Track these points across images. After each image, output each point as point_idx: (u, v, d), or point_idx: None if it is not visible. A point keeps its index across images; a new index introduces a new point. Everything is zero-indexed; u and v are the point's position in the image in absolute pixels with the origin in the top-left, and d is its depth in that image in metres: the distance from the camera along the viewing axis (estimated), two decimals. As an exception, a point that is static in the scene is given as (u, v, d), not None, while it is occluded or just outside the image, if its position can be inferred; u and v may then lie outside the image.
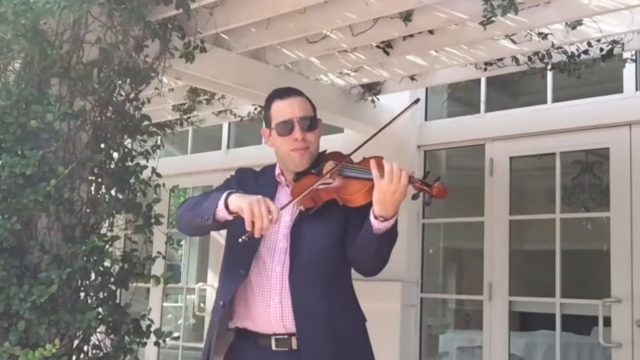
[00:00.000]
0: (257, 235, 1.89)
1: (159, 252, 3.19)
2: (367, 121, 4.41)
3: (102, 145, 3.14)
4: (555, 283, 4.15)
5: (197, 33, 3.35)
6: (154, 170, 3.21)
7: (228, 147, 5.99)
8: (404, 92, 4.44)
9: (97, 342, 3.04)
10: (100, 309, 2.97)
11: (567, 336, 4.54)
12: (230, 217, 1.94)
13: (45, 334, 2.81)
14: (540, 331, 5.28)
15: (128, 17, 3.02)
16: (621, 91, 4.07)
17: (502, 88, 4.91)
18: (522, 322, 5.56)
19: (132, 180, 3.14)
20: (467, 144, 4.73)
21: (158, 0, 3.02)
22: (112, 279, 3.06)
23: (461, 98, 4.91)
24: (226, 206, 1.93)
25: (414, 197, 1.96)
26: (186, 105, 4.67)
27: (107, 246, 2.95)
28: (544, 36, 3.39)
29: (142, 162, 3.23)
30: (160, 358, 6.00)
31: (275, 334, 2.04)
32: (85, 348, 3.00)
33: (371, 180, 1.91)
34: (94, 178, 3.11)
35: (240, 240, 1.90)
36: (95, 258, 2.93)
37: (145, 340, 3.10)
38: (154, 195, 3.15)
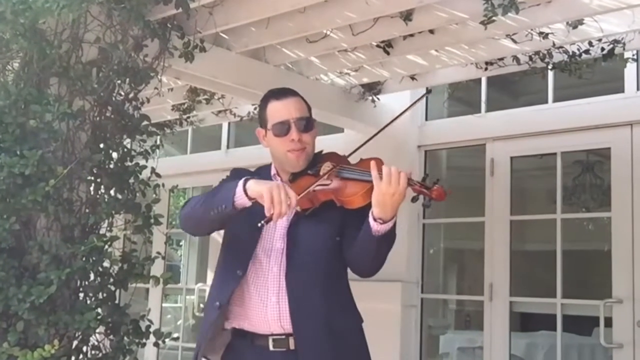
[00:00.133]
0: (275, 220, 1.90)
1: (158, 253, 3.19)
2: (367, 121, 4.40)
3: (101, 145, 3.14)
4: (556, 283, 4.14)
5: (197, 32, 3.34)
6: (153, 170, 3.20)
7: (228, 147, 5.99)
8: (405, 91, 4.43)
9: (96, 343, 3.03)
10: (99, 310, 2.96)
11: (568, 337, 4.53)
12: (249, 203, 1.94)
13: (44, 335, 2.80)
14: (541, 332, 5.27)
15: (127, 16, 3.01)
16: (622, 91, 4.07)
17: (502, 88, 4.90)
18: (523, 322, 5.55)
19: (131, 181, 3.14)
20: (467, 144, 4.72)
21: (157, -1, 3.02)
22: (112, 280, 3.06)
23: (462, 98, 4.91)
24: (245, 192, 1.93)
25: (414, 199, 1.96)
26: (186, 105, 4.66)
27: (107, 246, 2.94)
28: (544, 36, 3.38)
29: (142, 162, 3.22)
30: (159, 359, 6.00)
31: (272, 334, 2.04)
32: (84, 349, 2.99)
33: (369, 182, 1.92)
34: (93, 178, 3.11)
35: (259, 225, 1.91)
36: (94, 258, 2.93)
37: (144, 340, 3.10)
38: (154, 196, 3.14)
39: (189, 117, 4.89)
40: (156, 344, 3.08)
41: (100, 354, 3.02)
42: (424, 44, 3.61)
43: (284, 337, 2.03)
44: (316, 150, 2.18)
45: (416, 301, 4.64)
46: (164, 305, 6.43)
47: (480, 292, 4.45)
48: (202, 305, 5.85)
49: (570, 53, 3.58)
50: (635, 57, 3.78)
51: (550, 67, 3.71)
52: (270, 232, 2.08)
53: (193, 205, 2.08)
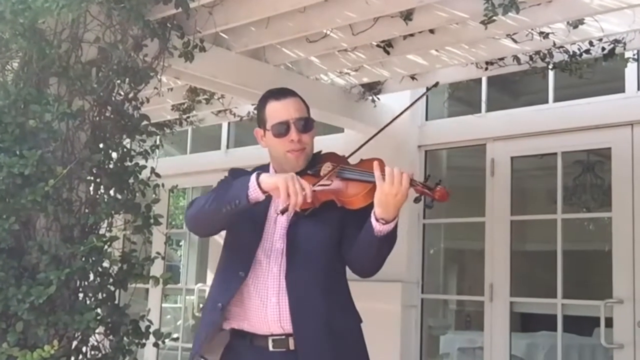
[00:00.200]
0: (291, 211, 1.93)
1: (158, 253, 3.18)
2: (367, 121, 4.40)
3: (101, 145, 3.13)
4: (557, 284, 4.14)
5: (197, 32, 3.34)
6: (153, 170, 3.20)
7: (227, 147, 5.98)
8: (405, 91, 4.42)
9: (95, 343, 3.03)
10: (99, 310, 2.96)
11: (569, 337, 4.52)
12: (263, 197, 1.96)
13: (43, 335, 2.80)
14: (541, 332, 5.26)
15: (127, 16, 3.00)
16: (623, 91, 4.06)
17: (503, 88, 4.90)
18: (524, 323, 5.54)
19: (131, 181, 3.13)
20: (468, 144, 4.71)
21: (157, -1, 3.01)
22: (111, 280, 3.05)
23: (462, 98, 4.90)
24: (259, 186, 1.93)
25: (416, 200, 1.96)
26: (185, 105, 4.65)
27: (106, 247, 2.93)
28: (545, 35, 3.38)
29: (141, 162, 3.22)
30: (159, 359, 6.00)
31: (272, 335, 2.04)
32: (83, 349, 2.99)
33: (371, 182, 1.93)
34: (92, 178, 3.11)
35: (276, 214, 1.97)
36: (94, 259, 2.92)
37: (144, 341, 3.10)
38: (153, 196, 3.14)
39: (188, 117, 4.88)
40: (156, 345, 3.08)
41: (99, 355, 3.02)
42: (424, 44, 3.60)
43: (283, 337, 2.02)
44: (315, 151, 2.18)
45: (416, 301, 4.63)
46: (163, 305, 6.43)
47: (480, 293, 4.45)
48: (201, 306, 5.85)
49: (571, 53, 3.58)
50: (635, 56, 3.77)
51: (550, 67, 3.71)
52: (270, 232, 2.08)
53: (202, 204, 2.06)
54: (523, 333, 5.44)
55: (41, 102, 2.93)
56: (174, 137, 5.42)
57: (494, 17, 2.90)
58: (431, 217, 4.76)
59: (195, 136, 6.28)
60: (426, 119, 4.83)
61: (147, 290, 5.99)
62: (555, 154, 4.29)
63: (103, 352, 3.03)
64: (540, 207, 5.54)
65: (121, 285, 3.08)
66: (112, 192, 3.13)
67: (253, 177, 1.94)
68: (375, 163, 1.93)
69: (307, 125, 2.12)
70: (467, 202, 4.90)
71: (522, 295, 4.62)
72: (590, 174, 5.59)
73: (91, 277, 3.02)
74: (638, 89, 4.01)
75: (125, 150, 3.18)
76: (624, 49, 3.49)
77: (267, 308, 2.03)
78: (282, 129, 2.08)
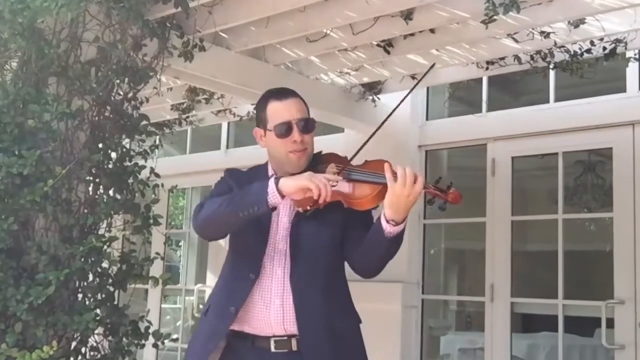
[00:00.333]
0: (321, 204, 1.94)
1: (157, 253, 3.18)
2: (367, 121, 4.38)
3: (100, 145, 3.13)
4: (558, 284, 4.12)
5: (196, 32, 3.33)
6: (152, 170, 3.19)
7: (227, 147, 5.97)
8: (405, 91, 4.39)
9: (95, 344, 3.03)
10: (98, 311, 2.96)
11: (570, 338, 4.52)
12: (281, 202, 1.97)
13: (42, 336, 2.79)
14: (542, 333, 5.25)
15: (126, 15, 2.99)
16: (624, 90, 4.05)
17: (504, 87, 4.89)
18: (524, 323, 5.53)
19: (130, 181, 3.13)
20: (468, 144, 4.70)
21: (156, -2, 3.00)
22: (110, 280, 3.05)
23: (463, 97, 4.89)
24: (279, 192, 1.93)
25: (430, 202, 1.97)
26: (185, 105, 4.64)
27: (105, 247, 2.93)
28: (546, 35, 3.37)
29: (141, 162, 3.21)
30: None
31: (274, 336, 2.03)
32: (83, 350, 2.99)
33: (381, 184, 1.93)
34: (91, 178, 3.10)
35: (306, 213, 1.98)
36: (93, 259, 2.92)
37: (143, 342, 3.09)
38: (153, 196, 3.13)
39: (188, 117, 4.87)
40: (155, 345, 3.07)
41: (99, 355, 3.02)
42: (424, 44, 3.60)
43: (285, 338, 2.02)
44: (315, 151, 2.17)
45: (417, 302, 4.62)
46: (163, 306, 6.42)
47: (481, 293, 4.43)
48: (201, 306, 5.84)
49: (572, 52, 3.57)
50: (637, 56, 3.76)
51: (551, 66, 3.70)
52: (272, 233, 2.08)
53: (214, 209, 2.02)
54: (524, 334, 5.44)
55: (40, 101, 2.92)
56: (174, 137, 5.42)
57: (495, 17, 2.89)
58: (432, 218, 4.76)
59: (195, 136, 6.27)
60: (427, 119, 4.82)
61: (146, 290, 5.97)
62: (556, 154, 4.27)
63: (102, 352, 3.02)
64: (541, 207, 5.53)
65: (120, 285, 3.07)
66: (111, 192, 3.12)
67: (271, 182, 1.93)
68: (386, 165, 1.92)
69: (309, 125, 2.11)
70: (468, 202, 4.83)
71: (523, 296, 4.61)
72: (591, 174, 5.58)
73: (90, 277, 3.01)
74: (639, 89, 4.00)
75: (124, 150, 3.17)
76: (625, 48, 3.48)
77: (270, 310, 2.03)
78: (285, 130, 2.07)
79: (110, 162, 3.14)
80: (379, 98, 4.46)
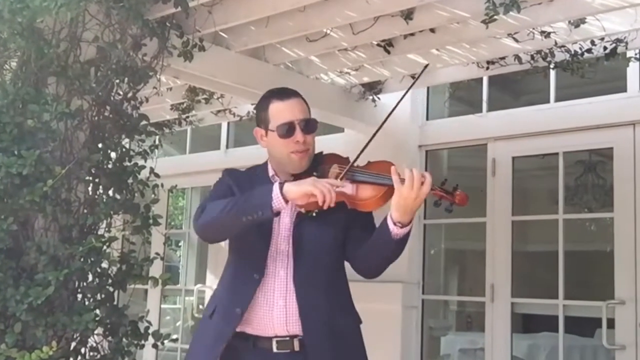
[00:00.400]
0: (325, 208, 1.93)
1: (157, 253, 3.17)
2: (367, 121, 4.38)
3: (100, 145, 3.12)
4: (558, 284, 4.12)
5: (196, 31, 3.32)
6: (152, 170, 3.19)
7: (227, 147, 5.96)
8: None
9: (94, 344, 3.02)
10: (97, 311, 2.96)
11: (570, 338, 4.51)
12: (285, 207, 1.96)
13: (42, 336, 2.79)
14: (543, 333, 5.25)
15: (126, 15, 2.99)
16: (625, 90, 4.04)
17: (504, 87, 4.88)
18: (525, 324, 5.53)
19: (130, 181, 3.12)
20: (469, 144, 4.69)
21: (156, -2, 3.00)
22: (110, 281, 3.04)
23: (463, 97, 4.88)
24: (283, 197, 1.93)
25: (436, 204, 1.96)
26: (185, 105, 4.63)
27: (105, 247, 2.92)
28: (546, 35, 3.36)
29: (140, 162, 3.21)
30: (159, 360, 5.98)
31: (276, 337, 2.03)
32: (82, 350, 2.98)
33: (386, 185, 1.93)
34: (91, 178, 3.09)
35: (308, 214, 1.99)
36: (92, 259, 2.91)
37: (143, 342, 3.08)
38: (152, 196, 3.13)
39: (188, 117, 4.86)
40: (155, 346, 3.07)
41: (98, 356, 3.01)
42: (424, 43, 3.59)
43: (287, 339, 2.02)
44: (316, 151, 2.16)
45: (417, 302, 4.61)
46: (162, 306, 6.41)
47: (481, 293, 4.43)
48: (201, 307, 5.83)
49: (573, 52, 3.56)
50: (637, 56, 3.75)
51: (552, 66, 3.69)
52: (274, 234, 2.08)
53: (216, 213, 2.01)
54: (524, 334, 5.44)
55: (39, 101, 2.92)
56: (173, 137, 5.41)
57: (495, 16, 2.88)
58: (432, 218, 4.75)
59: (195, 136, 6.27)
60: (427, 119, 4.82)
61: (146, 291, 5.97)
62: (557, 154, 4.27)
63: (102, 353, 3.02)
64: (542, 207, 5.53)
65: (120, 286, 3.07)
66: (111, 193, 3.12)
67: (276, 187, 1.93)
68: (393, 168, 1.92)
69: (311, 126, 2.11)
70: (468, 202, 4.87)
71: (523, 296, 4.60)
72: (592, 174, 5.58)
73: (90, 277, 3.01)
74: (640, 89, 3.99)
75: (124, 150, 3.17)
76: (626, 48, 3.47)
77: (273, 311, 2.03)
78: (287, 130, 2.07)
79: (110, 162, 3.13)
80: (379, 98, 4.46)
